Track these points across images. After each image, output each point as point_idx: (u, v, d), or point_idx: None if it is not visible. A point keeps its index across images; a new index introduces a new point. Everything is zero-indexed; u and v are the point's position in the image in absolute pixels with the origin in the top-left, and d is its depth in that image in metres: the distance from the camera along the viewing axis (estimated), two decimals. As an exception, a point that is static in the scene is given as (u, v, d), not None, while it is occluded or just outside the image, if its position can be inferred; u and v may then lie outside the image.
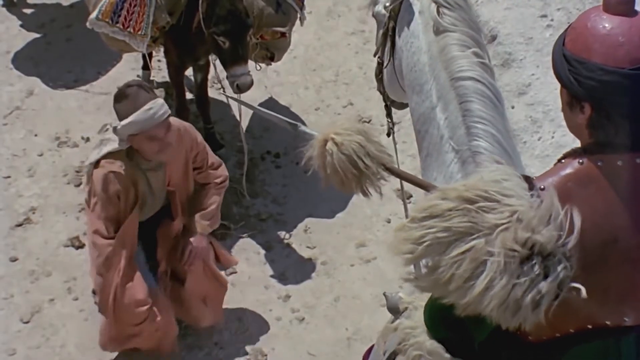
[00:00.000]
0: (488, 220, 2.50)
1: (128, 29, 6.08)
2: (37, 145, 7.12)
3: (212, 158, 5.50)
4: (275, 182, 6.89)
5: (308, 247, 6.40)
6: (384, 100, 4.49)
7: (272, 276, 6.20)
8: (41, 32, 8.25)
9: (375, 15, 4.25)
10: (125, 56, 7.80)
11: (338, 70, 7.80)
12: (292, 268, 6.26)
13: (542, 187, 2.60)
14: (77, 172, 6.84)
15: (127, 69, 7.77)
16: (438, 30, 3.67)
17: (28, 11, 8.54)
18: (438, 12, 3.70)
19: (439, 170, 3.55)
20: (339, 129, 3.41)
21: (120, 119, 4.83)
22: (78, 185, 6.74)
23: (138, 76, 7.64)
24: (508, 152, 3.39)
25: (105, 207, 5.00)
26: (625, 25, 2.58)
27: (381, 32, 4.13)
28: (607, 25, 2.59)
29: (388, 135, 4.43)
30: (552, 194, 2.51)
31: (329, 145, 3.39)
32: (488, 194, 2.54)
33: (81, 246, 6.32)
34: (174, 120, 5.09)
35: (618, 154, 2.62)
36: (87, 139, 7.10)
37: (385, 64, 4.14)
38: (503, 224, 2.48)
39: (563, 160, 2.71)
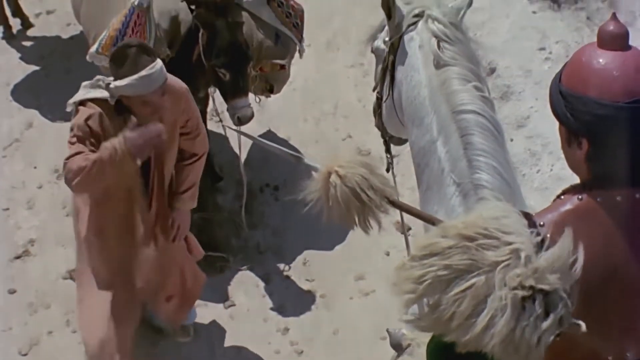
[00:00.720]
0: (488, 258, 2.51)
1: None
2: (36, 177, 7.13)
3: (202, 128, 5.44)
4: (274, 214, 6.88)
5: (307, 279, 6.40)
6: (382, 135, 4.50)
7: (271, 309, 6.19)
8: (41, 64, 8.26)
9: (374, 51, 4.30)
10: (124, 88, 7.81)
11: (337, 102, 7.81)
12: (291, 301, 6.25)
13: (541, 223, 2.61)
14: (77, 204, 6.83)
15: (126, 101, 7.78)
16: (439, 64, 3.72)
17: (27, 43, 8.55)
18: (439, 46, 3.74)
19: (439, 203, 3.56)
20: (342, 162, 3.39)
21: (116, 79, 4.74)
22: (77, 217, 6.74)
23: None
24: (509, 184, 3.41)
25: (83, 141, 4.82)
26: (620, 60, 2.60)
27: (380, 67, 4.16)
28: (601, 60, 2.61)
29: (387, 170, 4.43)
30: (567, 242, 2.50)
31: (333, 177, 3.37)
32: (488, 231, 2.54)
33: (80, 278, 6.30)
34: (171, 79, 4.95)
35: (617, 190, 2.63)
36: (86, 171, 7.09)
37: (384, 99, 4.15)
38: (503, 261, 2.48)
39: (562, 197, 2.72)
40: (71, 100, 5.06)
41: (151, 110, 4.79)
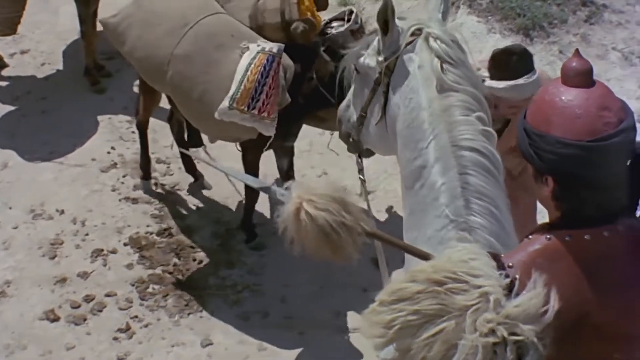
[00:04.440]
0: (457, 302, 2.50)
1: (263, 114, 5.90)
2: (12, 217, 7.09)
3: None
4: (252, 252, 6.87)
5: (285, 317, 6.37)
6: (354, 151, 4.41)
7: (249, 347, 6.15)
8: (16, 105, 8.25)
9: (358, 68, 4.12)
10: (100, 128, 7.85)
11: (312, 140, 7.83)
12: (269, 339, 6.22)
13: (510, 264, 2.60)
14: (52, 244, 6.81)
15: (102, 141, 7.78)
16: (442, 88, 3.58)
17: (3, 84, 8.55)
18: (442, 68, 3.60)
19: (420, 230, 3.49)
20: (312, 195, 3.32)
21: (492, 78, 4.79)
22: (53, 258, 6.72)
23: (113, 148, 7.65)
24: (506, 229, 3.35)
25: None
26: (583, 97, 2.59)
27: (366, 86, 4.00)
28: (564, 97, 2.60)
29: (361, 194, 4.39)
30: (538, 286, 2.49)
31: (302, 215, 3.30)
32: (456, 275, 2.53)
33: (56, 319, 6.27)
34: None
35: (585, 228, 2.61)
36: (62, 212, 7.09)
37: (375, 122, 3.96)
38: (473, 305, 2.48)
39: (530, 236, 2.70)
40: None
41: (512, 112, 4.82)
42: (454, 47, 3.68)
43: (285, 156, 6.73)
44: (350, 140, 4.30)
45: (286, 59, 5.99)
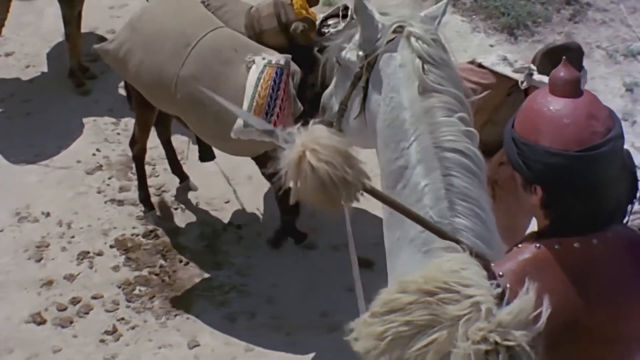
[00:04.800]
0: (449, 312, 2.50)
1: (279, 127, 5.76)
2: (-3, 221, 7.08)
3: None
4: (238, 253, 6.86)
5: (273, 318, 6.37)
6: None
7: (236, 348, 6.15)
8: (1, 107, 8.21)
9: (339, 61, 4.13)
10: (85, 130, 7.81)
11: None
12: (256, 340, 6.22)
13: (500, 273, 2.60)
14: (38, 247, 6.80)
15: (87, 143, 7.75)
16: (424, 90, 3.59)
17: (-13, 87, 8.52)
18: (423, 69, 3.61)
19: (403, 231, 3.50)
20: (317, 145, 3.22)
21: (541, 73, 4.84)
22: (39, 261, 6.70)
23: (98, 150, 7.63)
24: (490, 229, 3.37)
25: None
26: (571, 107, 2.60)
27: (348, 80, 4.00)
28: (552, 107, 2.61)
29: None
30: (529, 294, 2.49)
31: (304, 165, 3.23)
32: (447, 285, 2.53)
33: (43, 322, 6.26)
34: None
35: (574, 236, 2.62)
36: (48, 214, 7.07)
37: (354, 116, 3.98)
38: (464, 314, 2.48)
39: (520, 245, 2.71)
40: (481, 59, 5.18)
41: None
42: (435, 47, 3.69)
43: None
44: (332, 129, 4.15)
45: (293, 66, 5.92)
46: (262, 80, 5.75)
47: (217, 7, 6.37)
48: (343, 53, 4.08)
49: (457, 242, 3.00)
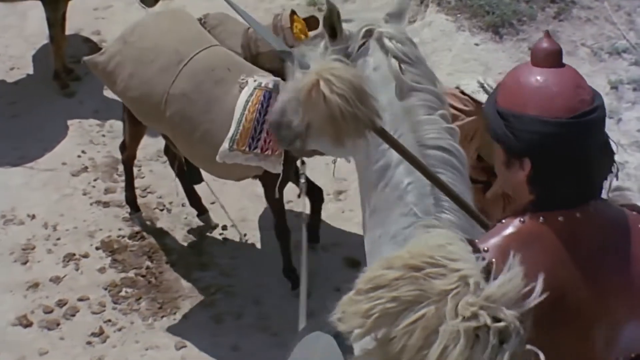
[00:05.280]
0: (436, 287, 2.45)
1: (266, 152, 5.71)
2: (-18, 223, 7.05)
3: None
4: (224, 254, 6.85)
5: (259, 318, 6.37)
6: (296, 153, 4.28)
7: (223, 349, 6.15)
8: (-15, 110, 8.19)
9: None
10: (70, 132, 7.78)
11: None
12: (243, 340, 6.22)
13: (485, 248, 2.57)
14: (24, 249, 6.77)
15: (72, 145, 7.72)
16: (402, 90, 3.57)
17: (-28, 89, 8.49)
18: (400, 68, 3.59)
19: (385, 228, 3.51)
20: (332, 76, 3.20)
21: None
22: (25, 263, 6.68)
23: (83, 152, 7.61)
24: (473, 225, 3.36)
25: None
26: (557, 76, 2.60)
27: None
28: (539, 77, 2.60)
29: (299, 196, 4.30)
30: (517, 268, 2.46)
31: (315, 94, 3.22)
32: (434, 260, 2.48)
33: (29, 325, 6.25)
34: None
35: (559, 210, 2.62)
36: (33, 216, 7.05)
37: None
38: (452, 289, 2.43)
39: (503, 221, 2.69)
40: (463, 86, 5.27)
41: None
42: (409, 45, 3.67)
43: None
44: (296, 144, 4.02)
45: None
46: (250, 104, 5.72)
47: (214, 26, 6.32)
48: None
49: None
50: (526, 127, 2.56)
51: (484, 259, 2.53)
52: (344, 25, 3.71)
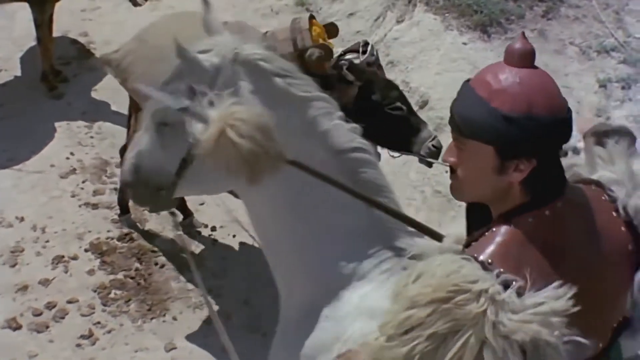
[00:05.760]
0: (470, 312, 2.45)
1: None
2: (-29, 226, 7.04)
3: None
4: (213, 255, 6.86)
5: (249, 319, 6.36)
6: (161, 205, 3.97)
7: (212, 351, 6.14)
8: (-27, 112, 8.17)
9: (167, 121, 3.65)
10: (58, 133, 7.78)
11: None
12: (233, 341, 6.18)
13: (489, 261, 2.57)
14: (12, 252, 6.76)
15: (60, 147, 7.72)
16: (296, 104, 3.51)
17: (-41, 91, 8.47)
18: (288, 84, 3.52)
19: (322, 255, 3.70)
20: (236, 121, 3.20)
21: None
22: (13, 266, 6.66)
23: (72, 154, 7.60)
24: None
25: None
26: (544, 75, 2.66)
27: (185, 137, 3.58)
28: (535, 78, 2.63)
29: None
30: (551, 290, 2.48)
31: (224, 141, 3.19)
32: (458, 287, 2.48)
33: (18, 327, 6.22)
34: None
35: (544, 206, 2.65)
36: (22, 219, 7.03)
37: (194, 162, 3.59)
38: (485, 309, 2.44)
39: (494, 229, 2.67)
40: None
41: None
42: (279, 58, 3.62)
43: None
44: (162, 193, 3.80)
45: None
46: None
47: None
48: (173, 103, 3.54)
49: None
50: (539, 127, 2.57)
51: (491, 271, 2.53)
52: (203, 57, 3.55)
